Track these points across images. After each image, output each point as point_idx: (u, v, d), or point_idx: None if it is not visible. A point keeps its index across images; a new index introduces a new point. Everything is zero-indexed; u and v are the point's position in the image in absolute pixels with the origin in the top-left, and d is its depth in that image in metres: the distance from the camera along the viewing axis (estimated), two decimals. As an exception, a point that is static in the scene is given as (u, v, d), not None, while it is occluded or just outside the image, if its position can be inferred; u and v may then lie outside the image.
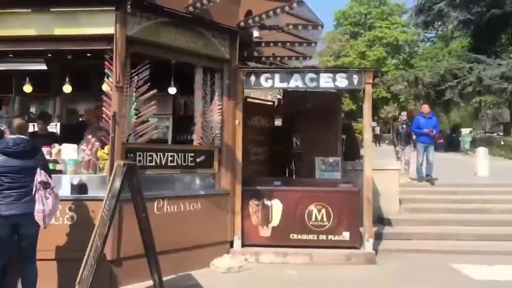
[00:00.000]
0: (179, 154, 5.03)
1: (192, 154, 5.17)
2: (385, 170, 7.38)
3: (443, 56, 29.74)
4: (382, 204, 7.22)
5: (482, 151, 11.46)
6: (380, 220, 7.03)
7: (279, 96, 8.88)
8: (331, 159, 7.05)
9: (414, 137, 10.35)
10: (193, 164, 5.16)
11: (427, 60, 35.75)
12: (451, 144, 22.46)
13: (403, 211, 7.38)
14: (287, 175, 7.31)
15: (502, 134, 32.62)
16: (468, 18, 22.45)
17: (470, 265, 5.17)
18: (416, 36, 52.11)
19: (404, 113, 11.01)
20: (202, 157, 5.27)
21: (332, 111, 7.43)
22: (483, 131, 41.88)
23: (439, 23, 37.85)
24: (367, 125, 5.57)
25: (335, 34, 57.26)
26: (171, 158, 4.94)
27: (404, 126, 9.93)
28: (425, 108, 9.33)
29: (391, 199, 7.31)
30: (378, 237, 6.25)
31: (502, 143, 18.85)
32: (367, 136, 5.54)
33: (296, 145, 7.45)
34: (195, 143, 5.35)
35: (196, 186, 5.31)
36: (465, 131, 37.90)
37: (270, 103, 8.36)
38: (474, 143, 21.11)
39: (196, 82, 5.36)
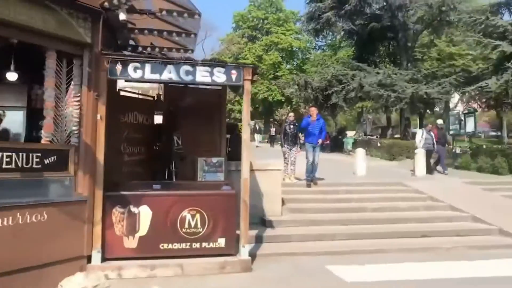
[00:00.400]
0: (20, 154, 4.14)
1: (39, 154, 4.30)
2: (269, 170, 7.24)
3: (331, 63, 31.81)
4: (265, 205, 7.07)
5: (360, 152, 12.21)
6: (263, 221, 6.86)
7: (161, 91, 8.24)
8: (214, 160, 6.66)
9: (301, 138, 10.57)
10: (39, 166, 4.29)
11: (317, 66, 37.95)
12: (336, 145, 23.98)
13: (285, 212, 7.32)
14: (166, 177, 6.73)
15: (379, 137, 36.10)
16: (352, 28, 24.30)
17: (343, 266, 5.18)
18: (308, 44, 55.24)
19: (291, 114, 11.16)
20: (53, 158, 4.42)
21: (216, 109, 7.03)
22: (364, 134, 46.07)
23: (328, 32, 40.70)
24: (245, 124, 5.26)
25: (234, 36, 57.91)
26: (8, 159, 4.03)
27: (292, 126, 10.03)
28: (313, 110, 9.51)
29: (274, 200, 7.20)
30: (259, 240, 6.03)
31: (379, 144, 20.61)
32: (246, 136, 5.22)
33: (178, 144, 6.88)
34: (43, 140, 4.47)
35: (43, 193, 4.41)
36: (350, 133, 41.15)
37: (149, 98, 7.66)
38: (356, 145, 22.83)
39: (47, 68, 4.47)
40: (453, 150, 15.02)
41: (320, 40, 49.40)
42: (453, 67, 25.97)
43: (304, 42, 53.46)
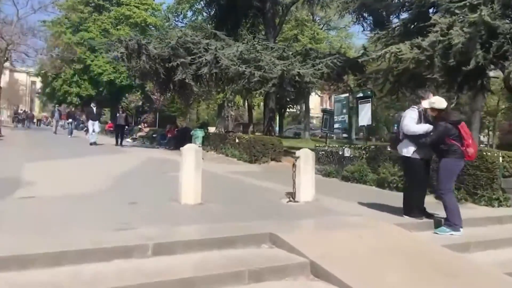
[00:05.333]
0: None
1: None
2: None
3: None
4: None
5: (190, 151, 6.03)
6: None
7: None
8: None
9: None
10: None
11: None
12: (183, 140, 17.73)
13: None
14: None
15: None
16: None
17: None
18: (167, 22, 47.66)
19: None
20: None
21: None
22: (225, 130, 41.17)
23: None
24: None
25: (76, 2, 46.89)
26: None
27: None
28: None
29: None
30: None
31: (237, 140, 14.99)
32: None
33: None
34: None
35: None
36: (211, 129, 35.57)
37: None
38: (208, 140, 16.91)
39: None
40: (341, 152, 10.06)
41: (180, 20, 43.12)
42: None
43: (161, 20, 45.99)
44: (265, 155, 13.73)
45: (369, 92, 11.32)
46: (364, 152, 9.67)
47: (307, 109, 42.61)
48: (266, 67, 14.85)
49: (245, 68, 15.01)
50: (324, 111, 17.28)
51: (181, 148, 5.54)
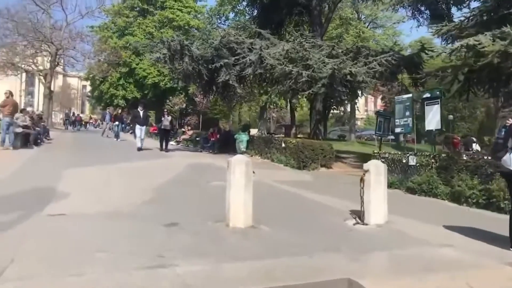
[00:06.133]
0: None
1: None
2: None
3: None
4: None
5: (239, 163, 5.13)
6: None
7: None
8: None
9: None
10: None
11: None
12: (227, 143, 17.03)
13: None
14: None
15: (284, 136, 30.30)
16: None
17: None
18: (209, 25, 47.68)
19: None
20: None
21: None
22: (267, 132, 40.34)
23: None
24: None
25: (122, 7, 47.91)
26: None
27: None
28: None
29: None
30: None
31: (283, 145, 14.03)
32: None
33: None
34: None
35: None
36: (253, 131, 35.00)
37: None
38: (252, 144, 16.07)
39: None
40: (405, 160, 8.84)
41: (222, 22, 42.87)
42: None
43: (203, 22, 45.99)
44: (314, 161, 12.70)
45: (437, 93, 9.98)
46: (433, 160, 8.41)
47: (353, 110, 40.90)
48: (315, 66, 13.82)
49: (292, 68, 14.06)
50: (378, 113, 15.94)
51: (228, 160, 4.68)
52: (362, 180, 5.23)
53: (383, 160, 9.55)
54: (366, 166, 5.26)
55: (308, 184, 8.87)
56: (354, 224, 5.16)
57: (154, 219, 4.79)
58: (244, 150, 15.29)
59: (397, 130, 11.65)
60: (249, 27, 17.18)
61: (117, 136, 22.08)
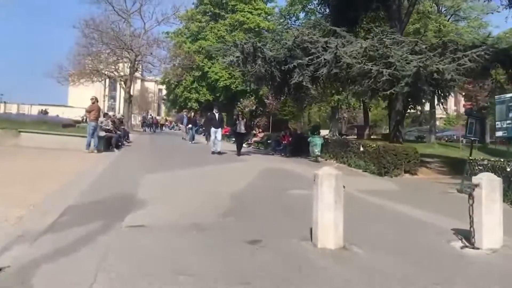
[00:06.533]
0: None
1: None
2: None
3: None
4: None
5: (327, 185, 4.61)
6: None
7: None
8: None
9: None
10: None
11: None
12: (300, 147, 16.53)
13: None
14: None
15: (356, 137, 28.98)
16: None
17: None
18: (279, 26, 47.48)
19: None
20: None
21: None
22: (339, 133, 39.08)
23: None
24: None
25: (194, 12, 49.53)
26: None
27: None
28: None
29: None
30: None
31: (361, 149, 13.19)
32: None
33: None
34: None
35: None
36: (323, 132, 34.18)
37: None
38: (327, 147, 15.38)
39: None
40: (509, 169, 7.68)
41: (293, 22, 42.41)
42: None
43: (274, 23, 45.84)
44: (397, 167, 11.73)
45: None
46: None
47: (433, 109, 38.19)
48: (397, 64, 12.80)
49: (372, 66, 13.18)
50: (469, 114, 14.42)
51: (315, 173, 4.20)
52: (470, 196, 4.45)
53: (481, 167, 8.46)
54: (476, 179, 4.47)
55: (395, 194, 8.08)
56: (461, 248, 4.41)
57: (235, 234, 4.46)
58: (318, 153, 14.69)
59: (499, 133, 10.31)
60: (323, 25, 16.48)
61: (192, 139, 22.54)
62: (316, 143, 14.74)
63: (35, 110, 63.17)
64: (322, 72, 14.58)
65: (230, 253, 3.88)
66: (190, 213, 5.44)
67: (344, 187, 4.19)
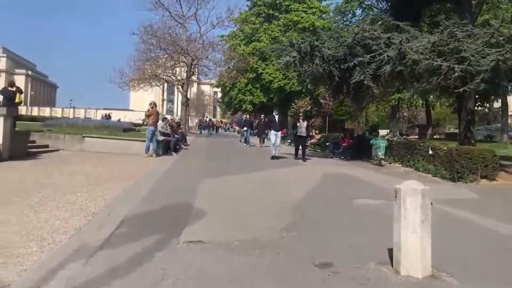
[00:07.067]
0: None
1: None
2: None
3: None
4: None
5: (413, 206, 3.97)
6: None
7: None
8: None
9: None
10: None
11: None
12: (361, 149, 15.67)
13: None
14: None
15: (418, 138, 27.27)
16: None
17: None
18: (335, 24, 46.35)
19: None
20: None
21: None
22: (400, 134, 37.15)
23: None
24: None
25: (248, 14, 49.70)
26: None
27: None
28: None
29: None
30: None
31: (430, 152, 12.14)
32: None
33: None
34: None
35: None
36: (382, 132, 32.64)
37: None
38: (391, 150, 14.40)
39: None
40: None
41: (349, 19, 41.05)
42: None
43: (329, 21, 44.74)
44: (472, 172, 10.60)
45: None
46: None
47: (505, 106, 35.21)
48: (472, 59, 11.62)
49: (441, 62, 12.10)
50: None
51: (396, 188, 3.60)
52: None
53: None
54: None
55: (477, 205, 7.16)
56: None
57: (300, 254, 3.99)
58: (382, 157, 13.78)
59: None
60: (385, 20, 15.47)
61: (247, 142, 22.17)
62: (379, 145, 13.83)
63: (100, 114, 66.86)
64: (385, 70, 13.70)
65: (297, 278, 3.41)
66: (249, 226, 5.05)
67: (431, 204, 3.56)
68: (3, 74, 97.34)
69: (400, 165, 13.45)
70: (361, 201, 7.00)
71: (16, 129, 12.35)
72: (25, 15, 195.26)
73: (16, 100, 13.00)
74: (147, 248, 4.05)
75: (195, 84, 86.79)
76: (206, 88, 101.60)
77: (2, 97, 13.03)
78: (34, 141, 13.95)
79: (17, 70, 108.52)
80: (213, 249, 4.09)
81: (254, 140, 23.83)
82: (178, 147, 16.72)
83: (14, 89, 13.13)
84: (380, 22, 16.32)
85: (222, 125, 61.61)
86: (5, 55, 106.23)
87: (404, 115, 55.13)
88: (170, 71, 37.69)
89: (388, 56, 13.61)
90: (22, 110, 72.32)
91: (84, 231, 4.67)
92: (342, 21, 40.61)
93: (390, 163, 13.95)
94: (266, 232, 4.77)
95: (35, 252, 3.90)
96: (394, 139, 21.63)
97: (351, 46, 14.36)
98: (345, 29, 17.34)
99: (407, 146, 13.85)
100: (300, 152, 14.72)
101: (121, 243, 4.21)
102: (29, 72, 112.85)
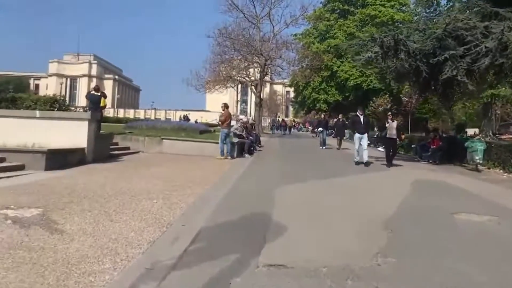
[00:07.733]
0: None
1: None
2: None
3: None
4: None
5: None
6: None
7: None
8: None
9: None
10: None
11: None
12: (453, 152, 14.11)
13: None
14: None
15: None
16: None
17: None
18: (416, 17, 43.43)
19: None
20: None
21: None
22: (492, 134, 33.60)
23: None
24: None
25: (323, 11, 48.54)
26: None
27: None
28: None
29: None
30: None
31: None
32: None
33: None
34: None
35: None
36: (470, 131, 29.74)
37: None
38: (489, 153, 12.75)
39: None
40: None
41: (432, 11, 38.10)
42: None
43: (409, 15, 41.97)
44: None
45: None
46: None
47: None
48: None
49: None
50: None
51: None
52: None
53: None
54: None
55: None
56: None
57: (404, 290, 3.27)
58: (480, 161, 12.22)
59: None
60: (482, 7, 13.75)
61: (323, 144, 21.04)
62: (476, 148, 12.25)
63: (178, 115, 69.85)
64: (483, 63, 12.15)
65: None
66: (337, 246, 4.41)
67: None
68: (94, 80, 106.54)
69: (501, 171, 11.82)
70: (464, 216, 6.00)
71: (100, 131, 12.93)
72: (115, 23, 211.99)
73: (101, 104, 13.76)
74: (223, 271, 3.61)
75: (268, 84, 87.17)
76: (278, 88, 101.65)
77: (89, 102, 13.85)
78: (116, 143, 14.55)
79: (106, 75, 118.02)
80: (298, 277, 3.53)
81: (331, 141, 22.86)
82: (252, 148, 16.48)
83: (99, 93, 13.89)
84: (474, 9, 14.57)
85: (295, 125, 60.96)
86: (96, 61, 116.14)
87: (497, 113, 50.07)
88: (244, 72, 37.97)
89: (486, 47, 12.06)
90: (110, 112, 78.26)
91: (157, 245, 4.39)
92: (425, 12, 37.80)
93: (488, 168, 12.34)
94: (357, 256, 4.10)
95: (107, 269, 3.66)
96: (487, 139, 19.38)
97: (441, 38, 12.97)
98: (433, 20, 15.75)
99: (510, 149, 12.13)
100: (390, 157, 13.32)
101: (196, 263, 3.83)
102: (116, 77, 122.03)
